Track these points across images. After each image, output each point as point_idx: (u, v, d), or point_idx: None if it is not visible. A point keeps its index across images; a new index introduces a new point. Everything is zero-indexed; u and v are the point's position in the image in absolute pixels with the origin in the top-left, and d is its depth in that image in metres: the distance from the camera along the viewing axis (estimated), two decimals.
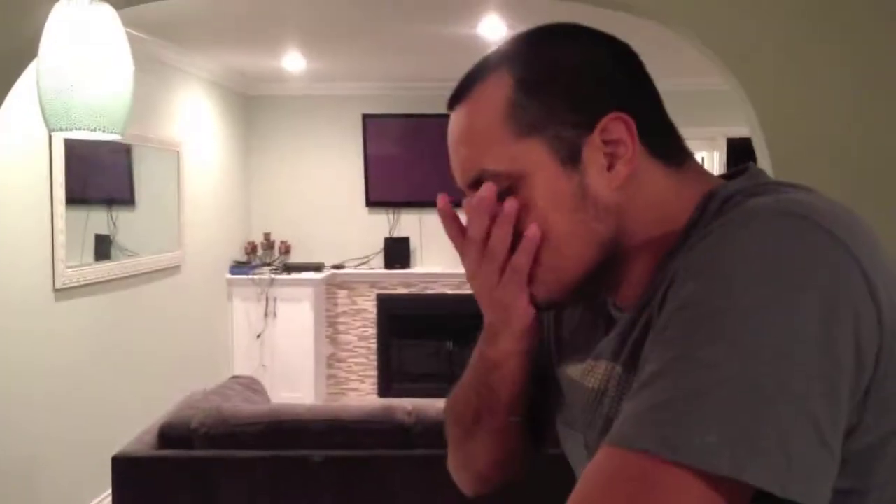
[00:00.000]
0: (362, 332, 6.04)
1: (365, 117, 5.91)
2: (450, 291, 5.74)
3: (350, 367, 6.09)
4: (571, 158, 0.75)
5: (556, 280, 0.79)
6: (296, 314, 5.58)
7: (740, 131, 2.89)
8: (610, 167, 0.75)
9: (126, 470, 2.46)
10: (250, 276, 5.58)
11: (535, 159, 0.75)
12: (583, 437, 0.85)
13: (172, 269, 4.71)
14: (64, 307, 3.59)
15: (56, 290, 3.51)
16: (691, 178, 0.79)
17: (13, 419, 3.20)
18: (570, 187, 0.75)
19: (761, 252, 0.63)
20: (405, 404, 2.64)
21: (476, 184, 0.77)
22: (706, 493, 0.59)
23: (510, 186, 0.76)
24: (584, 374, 0.84)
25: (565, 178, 0.75)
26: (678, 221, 0.76)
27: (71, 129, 1.81)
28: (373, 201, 5.98)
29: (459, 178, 0.80)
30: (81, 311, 3.74)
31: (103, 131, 1.79)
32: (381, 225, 5.99)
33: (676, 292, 0.67)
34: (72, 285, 3.62)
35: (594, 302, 0.87)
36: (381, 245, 5.96)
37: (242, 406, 2.73)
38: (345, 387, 6.09)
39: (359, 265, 5.99)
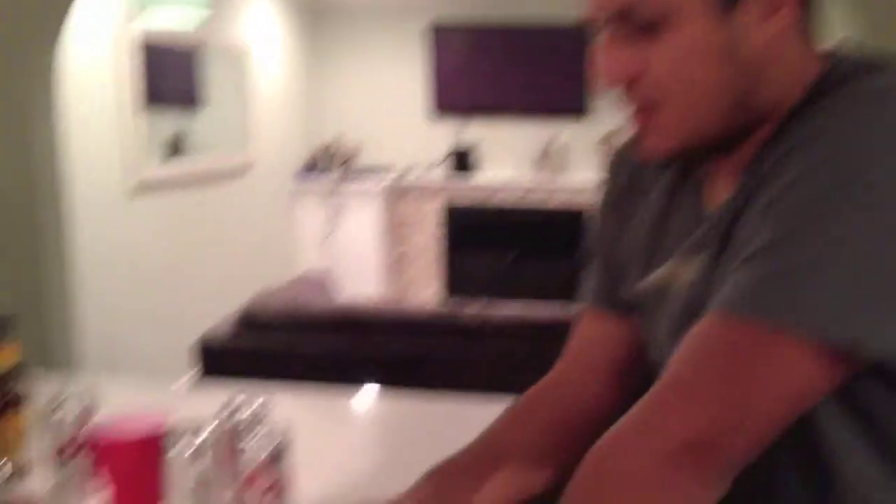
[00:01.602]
0: (426, 241, 6.08)
1: (434, 24, 5.81)
2: (516, 202, 5.70)
3: (414, 272, 6.16)
4: (730, 5, 0.70)
5: (679, 131, 0.74)
6: (361, 219, 5.64)
7: None
8: (766, 17, 0.70)
9: (207, 355, 2.57)
10: (316, 181, 5.63)
11: (693, 2, 0.70)
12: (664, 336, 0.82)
13: (240, 170, 4.79)
14: (138, 205, 3.70)
15: (130, 189, 3.61)
16: (812, 48, 0.75)
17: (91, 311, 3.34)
18: (722, 37, 0.70)
19: (889, 127, 0.62)
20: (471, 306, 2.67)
21: (618, 16, 0.72)
22: (816, 362, 0.59)
23: (654, 24, 0.71)
24: (673, 272, 0.80)
25: (719, 25, 0.70)
26: (796, 93, 0.72)
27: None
28: (441, 107, 5.92)
29: (598, 6, 0.74)
30: (154, 209, 3.85)
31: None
32: (448, 132, 5.95)
33: (794, 162, 0.64)
34: (145, 184, 3.72)
35: (688, 198, 0.82)
36: (447, 152, 5.93)
37: (314, 300, 2.80)
38: (408, 294, 6.18)
39: (424, 172, 5.98)
